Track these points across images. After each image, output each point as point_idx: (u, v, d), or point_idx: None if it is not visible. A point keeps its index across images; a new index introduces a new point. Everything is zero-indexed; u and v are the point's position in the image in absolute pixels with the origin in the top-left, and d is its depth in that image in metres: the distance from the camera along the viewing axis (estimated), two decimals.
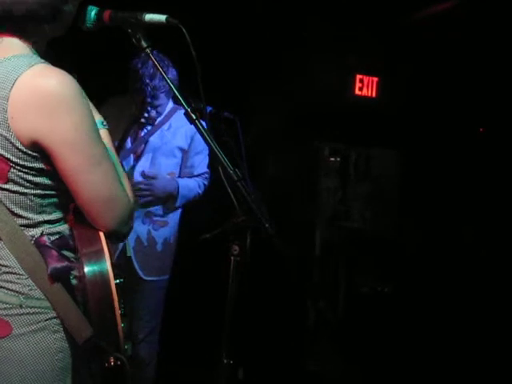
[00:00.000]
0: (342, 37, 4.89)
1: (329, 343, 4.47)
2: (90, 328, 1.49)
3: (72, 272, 1.53)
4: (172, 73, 3.16)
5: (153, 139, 3.25)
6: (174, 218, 3.36)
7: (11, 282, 1.52)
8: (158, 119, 3.26)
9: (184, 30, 1.66)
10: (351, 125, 5.06)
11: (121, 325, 1.47)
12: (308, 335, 4.57)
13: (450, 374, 4.07)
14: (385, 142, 5.23)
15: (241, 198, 1.62)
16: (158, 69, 1.68)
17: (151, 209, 3.25)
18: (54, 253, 1.50)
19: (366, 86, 5.31)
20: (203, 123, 1.69)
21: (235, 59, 4.41)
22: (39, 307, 1.51)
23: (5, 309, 1.51)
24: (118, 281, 1.49)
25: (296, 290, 4.53)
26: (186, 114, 1.67)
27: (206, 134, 1.64)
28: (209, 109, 3.34)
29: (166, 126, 3.28)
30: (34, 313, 1.51)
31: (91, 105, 1.58)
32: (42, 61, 1.49)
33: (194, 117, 1.65)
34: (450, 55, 4.95)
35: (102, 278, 1.47)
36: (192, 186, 3.35)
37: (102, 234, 1.53)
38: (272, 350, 4.28)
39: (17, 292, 1.51)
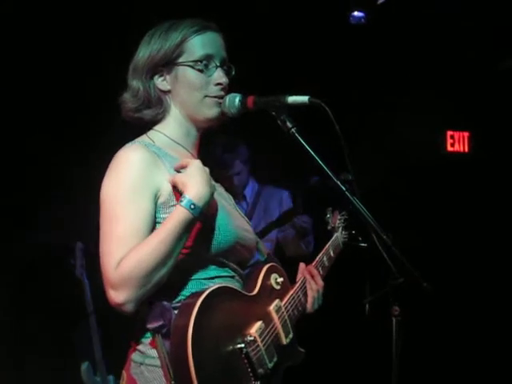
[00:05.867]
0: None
1: None
2: None
3: None
4: (244, 153, 3.80)
5: (253, 221, 3.67)
6: None
7: None
8: (250, 201, 3.83)
9: (327, 109, 1.78)
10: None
11: None
12: None
13: None
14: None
15: (396, 261, 1.70)
16: (308, 150, 1.76)
17: None
18: None
19: (457, 142, 5.34)
20: None
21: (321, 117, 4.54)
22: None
23: None
24: None
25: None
26: (335, 187, 1.75)
27: (357, 204, 1.73)
28: (315, 178, 3.56)
29: (260, 206, 3.82)
30: None
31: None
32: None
33: (344, 188, 1.74)
34: None
35: None
36: None
37: None
38: None
39: None
